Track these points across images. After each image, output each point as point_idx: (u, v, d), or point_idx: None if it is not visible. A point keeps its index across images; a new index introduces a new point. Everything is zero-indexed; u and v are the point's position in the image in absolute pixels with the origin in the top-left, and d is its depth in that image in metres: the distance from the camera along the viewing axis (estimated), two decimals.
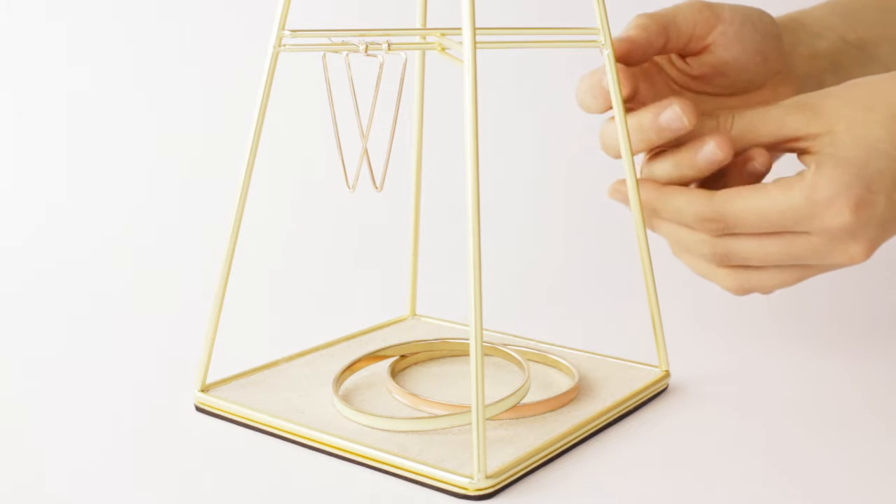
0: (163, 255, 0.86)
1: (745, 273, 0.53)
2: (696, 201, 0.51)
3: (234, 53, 0.99)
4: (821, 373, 0.59)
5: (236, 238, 0.52)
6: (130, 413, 0.53)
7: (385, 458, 0.46)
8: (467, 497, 0.44)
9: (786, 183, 0.49)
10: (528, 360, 0.59)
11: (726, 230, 0.51)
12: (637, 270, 0.58)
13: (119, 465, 0.47)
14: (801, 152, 0.50)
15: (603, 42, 0.52)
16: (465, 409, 0.49)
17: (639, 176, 0.54)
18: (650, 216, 0.54)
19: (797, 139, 0.50)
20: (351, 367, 0.56)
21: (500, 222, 0.90)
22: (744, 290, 0.54)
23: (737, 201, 0.50)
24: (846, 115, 0.49)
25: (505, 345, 0.59)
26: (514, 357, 0.57)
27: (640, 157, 0.56)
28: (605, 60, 0.52)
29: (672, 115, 0.51)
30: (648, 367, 0.57)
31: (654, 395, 0.55)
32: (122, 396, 0.55)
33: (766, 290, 0.54)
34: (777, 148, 0.51)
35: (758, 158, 0.52)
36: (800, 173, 0.49)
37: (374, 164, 0.50)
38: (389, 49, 0.47)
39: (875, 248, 0.50)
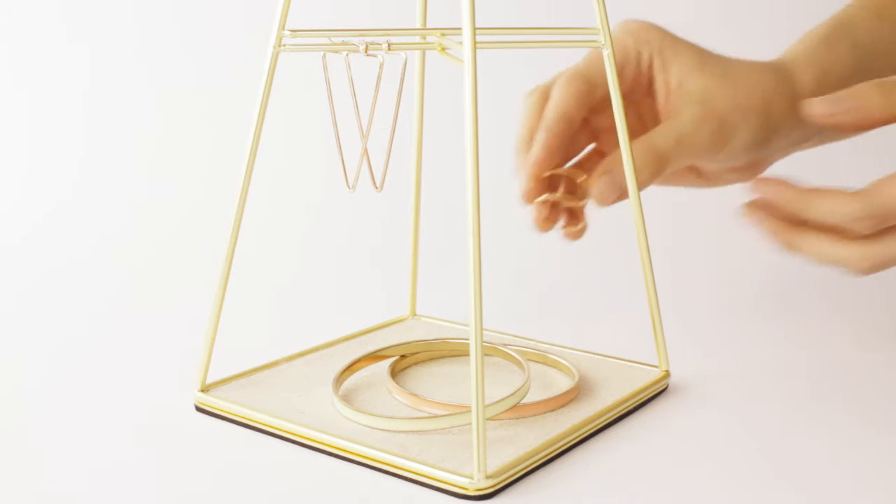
0: (163, 255, 0.86)
1: (880, 244, 0.49)
2: (845, 201, 0.48)
3: (234, 53, 0.99)
4: (822, 372, 0.59)
5: (236, 238, 0.52)
6: (130, 413, 0.53)
7: (385, 458, 0.46)
8: (467, 497, 0.44)
9: None
10: (528, 360, 0.59)
11: (883, 223, 0.48)
12: (637, 270, 0.58)
13: (119, 465, 0.47)
14: None
15: (603, 42, 0.52)
16: (465, 409, 0.49)
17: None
18: (789, 234, 0.51)
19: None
20: (351, 367, 0.56)
21: (500, 222, 0.90)
22: (874, 268, 0.50)
23: (886, 191, 0.47)
24: None
25: (505, 345, 0.59)
26: (514, 357, 0.57)
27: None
28: (605, 61, 0.52)
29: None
30: (648, 367, 0.57)
31: (654, 395, 0.55)
32: (122, 396, 0.55)
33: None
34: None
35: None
36: None
37: (374, 164, 0.50)
38: (389, 49, 0.47)
39: None
